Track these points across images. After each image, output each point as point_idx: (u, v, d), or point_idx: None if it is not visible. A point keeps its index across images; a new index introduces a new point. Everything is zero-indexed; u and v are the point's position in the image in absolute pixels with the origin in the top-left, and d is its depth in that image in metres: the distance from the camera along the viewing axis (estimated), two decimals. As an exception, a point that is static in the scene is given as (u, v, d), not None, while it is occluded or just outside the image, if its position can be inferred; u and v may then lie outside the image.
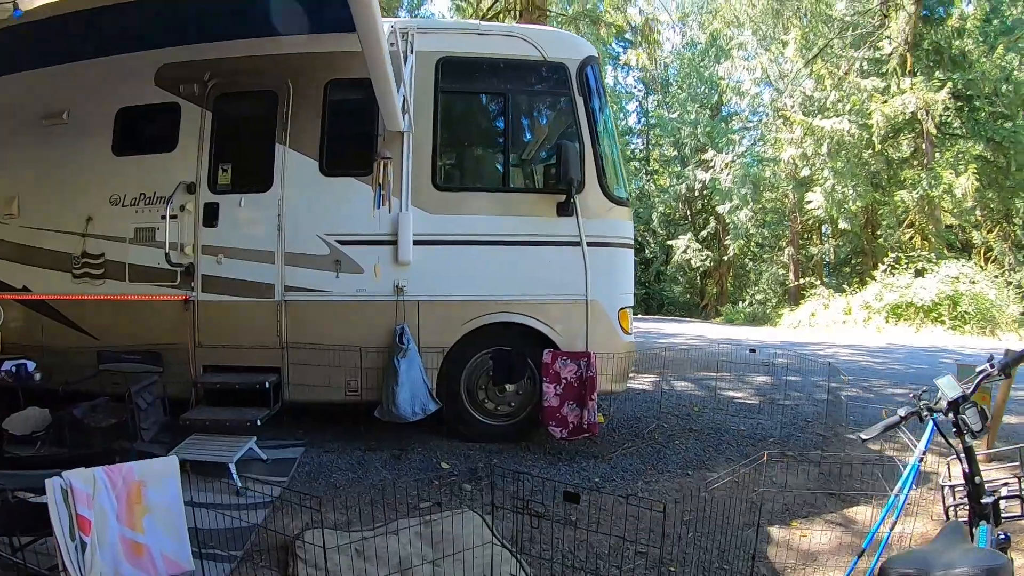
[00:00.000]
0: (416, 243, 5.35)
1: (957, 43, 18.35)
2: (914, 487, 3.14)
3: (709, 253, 34.06)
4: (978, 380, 2.27)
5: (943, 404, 2.23)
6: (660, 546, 2.98)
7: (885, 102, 21.22)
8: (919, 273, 20.50)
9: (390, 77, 4.64)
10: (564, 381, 5.29)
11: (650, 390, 8.26)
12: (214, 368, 5.47)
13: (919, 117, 21.19)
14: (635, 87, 40.11)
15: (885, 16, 21.01)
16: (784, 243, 31.66)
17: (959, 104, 21.44)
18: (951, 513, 2.36)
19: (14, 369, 5.21)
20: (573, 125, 5.57)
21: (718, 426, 6.31)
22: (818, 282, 27.01)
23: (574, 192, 5.35)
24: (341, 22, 4.49)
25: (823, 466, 5.00)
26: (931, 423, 2.47)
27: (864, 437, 2.34)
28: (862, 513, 4.16)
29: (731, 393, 8.05)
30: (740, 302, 31.70)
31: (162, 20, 5.21)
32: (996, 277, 19.95)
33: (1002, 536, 2.10)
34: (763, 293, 32.52)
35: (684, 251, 33.93)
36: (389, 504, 4.13)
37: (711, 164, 30.56)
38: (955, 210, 22.36)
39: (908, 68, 21.36)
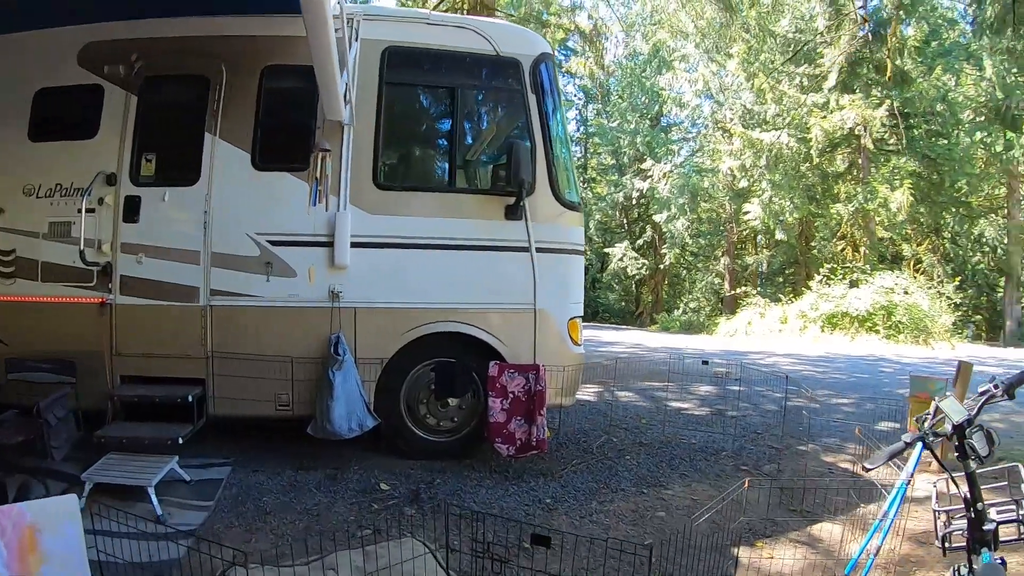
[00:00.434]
0: (354, 245, 4.96)
1: (897, 62, 19.02)
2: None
3: (645, 261, 34.36)
4: (982, 402, 2.08)
5: (947, 428, 2.04)
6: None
7: (824, 117, 21.83)
8: (853, 284, 21.20)
9: (335, 62, 4.29)
10: (511, 395, 4.99)
11: (595, 401, 8.06)
12: (133, 379, 4.97)
13: (856, 132, 21.88)
14: (575, 95, 40.33)
15: (828, 34, 21.59)
16: (720, 253, 32.34)
17: (894, 122, 22.27)
18: (947, 540, 2.17)
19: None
20: (525, 124, 5.29)
21: (669, 439, 6.13)
22: (754, 291, 27.61)
23: (524, 194, 5.05)
24: (282, 3, 4.13)
25: (780, 481, 4.86)
26: (919, 445, 2.27)
27: (869, 467, 2.11)
28: (826, 531, 4.03)
29: (678, 404, 7.92)
30: (675, 310, 32.23)
31: None
32: (930, 288, 20.78)
33: (999, 561, 1.97)
34: (697, 301, 33.28)
35: (620, 259, 34.15)
36: (324, 531, 3.77)
37: (649, 173, 30.84)
38: (888, 223, 23.23)
39: (847, 85, 22.03)
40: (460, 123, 5.48)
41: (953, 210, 25.36)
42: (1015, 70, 20.33)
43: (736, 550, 3.59)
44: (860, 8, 21.28)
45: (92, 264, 4.86)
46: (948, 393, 3.63)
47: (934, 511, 2.21)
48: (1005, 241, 25.77)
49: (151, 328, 4.93)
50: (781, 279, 31.88)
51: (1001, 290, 27.01)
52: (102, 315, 4.89)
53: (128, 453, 4.37)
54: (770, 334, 21.52)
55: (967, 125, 22.97)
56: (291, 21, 4.17)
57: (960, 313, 21.94)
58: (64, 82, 5.09)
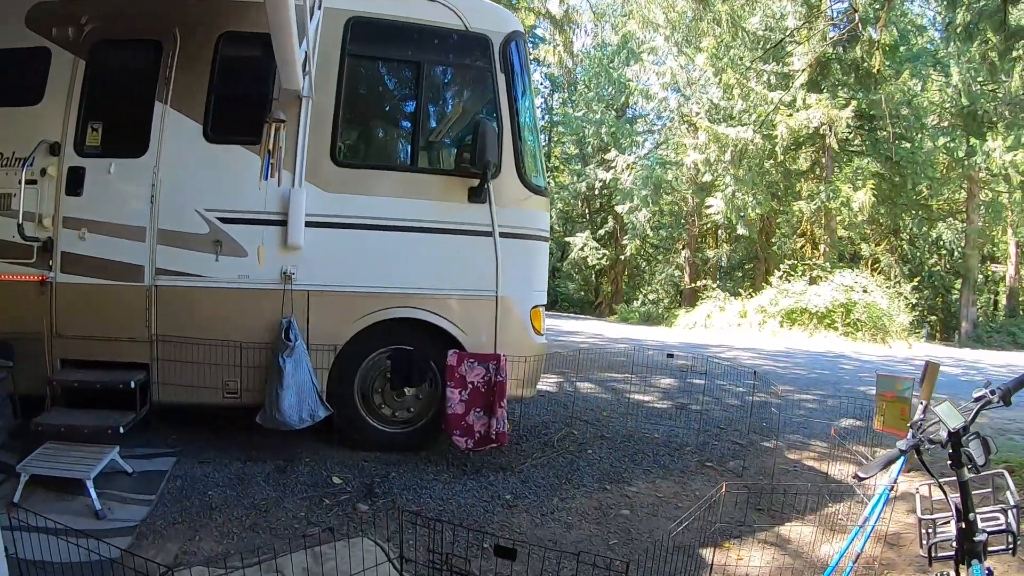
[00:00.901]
0: (309, 225, 4.70)
1: (866, 64, 19.25)
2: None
3: (606, 252, 34.52)
4: (977, 408, 1.97)
5: (942, 435, 1.92)
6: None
7: (791, 115, 22.00)
8: (813, 281, 21.51)
9: (292, 28, 4.02)
10: (471, 386, 4.80)
11: (555, 392, 7.91)
12: (74, 363, 4.66)
13: (822, 132, 22.12)
14: (542, 83, 40.11)
15: (799, 32, 21.73)
16: (680, 245, 32.58)
17: (860, 123, 22.59)
18: (932, 551, 2.06)
19: None
20: (492, 103, 5.07)
21: (631, 433, 6.02)
22: (713, 285, 27.90)
23: (489, 177, 4.84)
24: None
25: (744, 478, 4.78)
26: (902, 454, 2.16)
27: (862, 476, 1.98)
28: (795, 531, 3.95)
29: (639, 396, 7.82)
30: (634, 301, 32.42)
31: None
32: (889, 288, 21.20)
33: (987, 571, 1.91)
34: (656, 293, 33.52)
35: (581, 248, 34.25)
36: (273, 529, 3.59)
37: (613, 164, 30.92)
38: (849, 223, 23.63)
39: (815, 84, 22.24)
40: (425, 100, 5.21)
41: (913, 212, 25.93)
42: (980, 78, 20.78)
43: (706, 552, 3.47)
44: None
45: (32, 240, 4.52)
46: (916, 393, 3.58)
47: (919, 519, 2.11)
48: (963, 245, 26.40)
49: (93, 309, 4.62)
50: (741, 274, 32.32)
51: (956, 292, 27.79)
52: (42, 294, 4.57)
53: (67, 442, 4.10)
54: (729, 328, 21.76)
55: (931, 130, 23.52)
56: (250, -16, 3.90)
57: (916, 313, 22.44)
58: (9, 44, 4.74)
